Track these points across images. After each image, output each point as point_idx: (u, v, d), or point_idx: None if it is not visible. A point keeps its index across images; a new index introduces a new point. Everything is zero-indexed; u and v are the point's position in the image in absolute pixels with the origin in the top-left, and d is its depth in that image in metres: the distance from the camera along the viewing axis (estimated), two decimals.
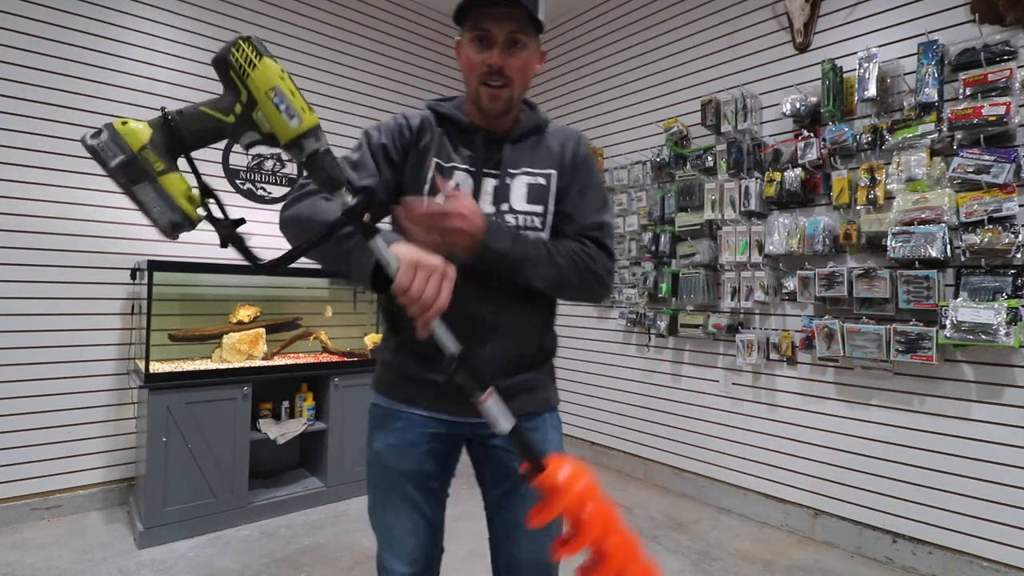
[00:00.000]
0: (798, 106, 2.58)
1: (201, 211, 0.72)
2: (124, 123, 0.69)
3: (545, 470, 0.77)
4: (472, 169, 1.03)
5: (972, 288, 2.09)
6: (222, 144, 3.02)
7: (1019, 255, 2.00)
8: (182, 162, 0.72)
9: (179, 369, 2.52)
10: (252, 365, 2.72)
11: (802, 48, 2.69)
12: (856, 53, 2.41)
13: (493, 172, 1.04)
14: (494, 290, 1.00)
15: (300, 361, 2.92)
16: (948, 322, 2.07)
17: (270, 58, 0.70)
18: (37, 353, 2.54)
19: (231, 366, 2.67)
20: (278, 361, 2.87)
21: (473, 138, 1.05)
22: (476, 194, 1.02)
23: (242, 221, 0.75)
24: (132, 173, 0.68)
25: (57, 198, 2.59)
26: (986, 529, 2.10)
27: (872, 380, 2.41)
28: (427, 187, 1.01)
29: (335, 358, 3.06)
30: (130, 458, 2.74)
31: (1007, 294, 2.01)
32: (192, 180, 0.72)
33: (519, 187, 1.03)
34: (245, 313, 2.91)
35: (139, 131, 0.68)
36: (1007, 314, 1.95)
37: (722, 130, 2.90)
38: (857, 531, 2.44)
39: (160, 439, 2.37)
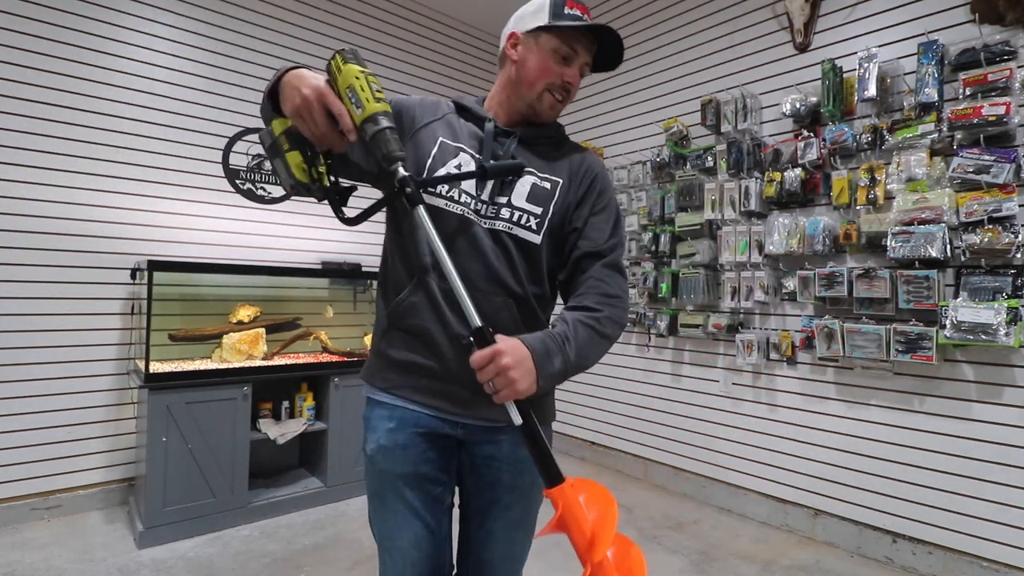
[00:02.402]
0: (798, 106, 2.58)
1: (312, 179, 0.94)
2: (278, 117, 0.94)
3: (561, 486, 0.81)
4: (478, 156, 1.03)
5: (972, 288, 2.09)
6: (222, 144, 3.04)
7: (1019, 255, 2.01)
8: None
9: (179, 369, 2.52)
10: (252, 365, 2.72)
11: (802, 48, 2.69)
12: (856, 53, 2.41)
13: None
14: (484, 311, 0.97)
15: (300, 361, 2.92)
16: (948, 322, 2.07)
17: (355, 63, 0.90)
18: (37, 353, 2.54)
19: (231, 366, 2.67)
20: (278, 361, 2.87)
21: (483, 126, 1.06)
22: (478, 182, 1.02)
23: (352, 189, 1.00)
24: (272, 151, 0.95)
25: (57, 198, 2.59)
26: (986, 529, 2.10)
27: (872, 380, 2.41)
28: (429, 162, 1.01)
29: (335, 358, 3.06)
30: (130, 458, 2.74)
31: (1007, 294, 2.01)
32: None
33: (523, 185, 1.02)
34: (245, 313, 2.91)
35: (282, 121, 0.94)
36: (1007, 314, 1.95)
37: (722, 130, 2.90)
38: (857, 531, 2.43)
39: (160, 439, 2.37)
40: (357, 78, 0.88)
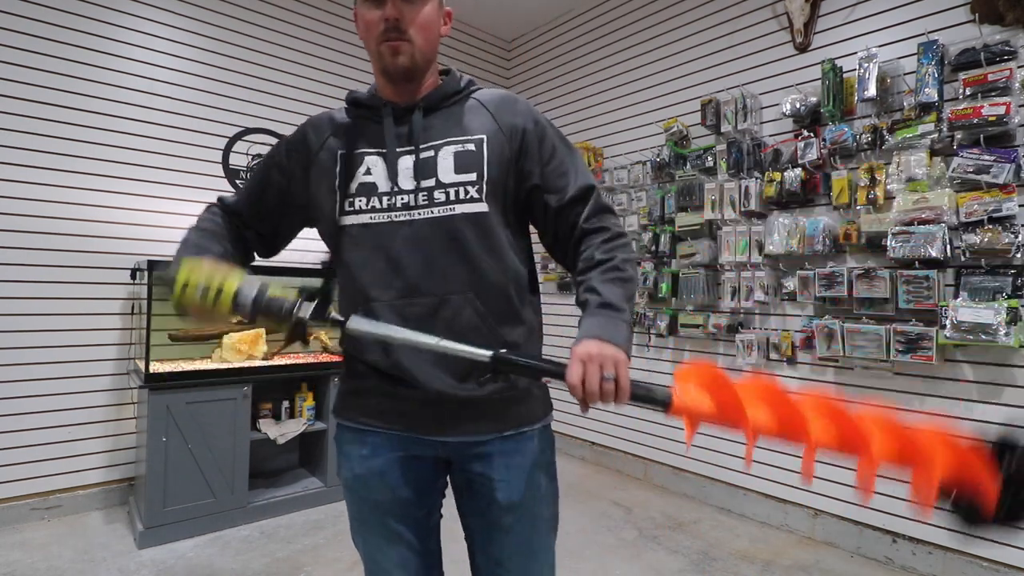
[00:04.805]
0: (798, 106, 2.58)
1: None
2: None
3: (672, 404, 0.81)
4: (382, 151, 0.95)
5: (972, 288, 2.09)
6: (222, 144, 3.04)
7: (1019, 255, 2.00)
8: None
9: (179, 369, 2.52)
10: (252, 365, 2.72)
11: (802, 48, 2.69)
12: (856, 53, 2.41)
13: (408, 149, 0.95)
14: (447, 287, 0.91)
15: (300, 361, 2.92)
16: (948, 322, 2.06)
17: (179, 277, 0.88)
18: (37, 353, 2.54)
19: (231, 366, 2.67)
20: (278, 361, 2.87)
21: (381, 114, 0.97)
22: (391, 175, 0.93)
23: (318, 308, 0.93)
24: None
25: (57, 198, 2.59)
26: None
27: (872, 380, 2.41)
28: (338, 182, 0.95)
29: (335, 358, 3.06)
30: (130, 458, 2.74)
31: (1007, 294, 2.01)
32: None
33: (445, 158, 0.93)
34: None
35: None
36: (1007, 314, 1.95)
37: (722, 130, 2.90)
38: (857, 531, 2.43)
39: (160, 439, 2.37)
40: (187, 285, 0.83)
